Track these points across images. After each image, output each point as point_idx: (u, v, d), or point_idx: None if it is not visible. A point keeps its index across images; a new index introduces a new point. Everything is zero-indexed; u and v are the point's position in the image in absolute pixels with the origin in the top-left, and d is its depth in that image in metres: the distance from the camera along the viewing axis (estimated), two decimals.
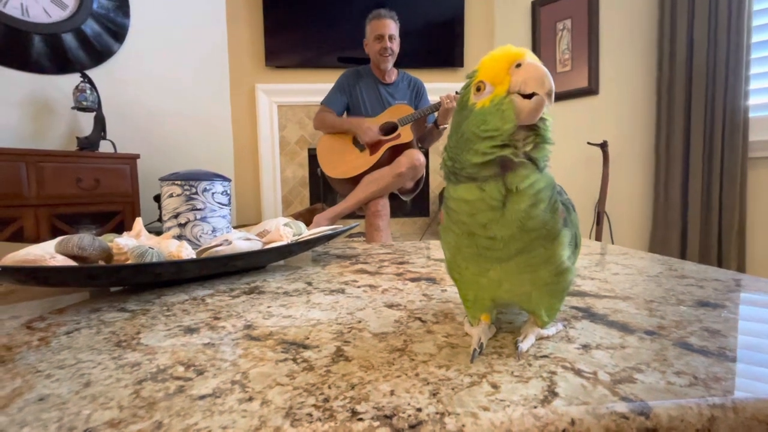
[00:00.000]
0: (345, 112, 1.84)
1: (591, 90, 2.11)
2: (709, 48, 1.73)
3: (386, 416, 0.20)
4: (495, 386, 0.23)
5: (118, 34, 1.95)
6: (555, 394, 0.22)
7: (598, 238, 1.93)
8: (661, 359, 0.26)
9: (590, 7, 2.09)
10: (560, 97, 2.21)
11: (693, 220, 1.79)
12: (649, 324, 0.33)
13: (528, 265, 0.26)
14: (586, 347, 0.28)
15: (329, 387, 0.23)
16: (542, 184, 0.24)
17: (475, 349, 0.27)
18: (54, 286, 0.44)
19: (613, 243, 1.99)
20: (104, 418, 0.21)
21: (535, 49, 2.29)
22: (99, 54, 1.89)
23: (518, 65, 0.23)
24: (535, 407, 0.21)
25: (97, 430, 0.20)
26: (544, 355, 0.27)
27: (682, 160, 1.83)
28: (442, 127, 1.73)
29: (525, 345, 0.28)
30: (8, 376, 0.26)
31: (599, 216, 1.93)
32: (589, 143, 1.99)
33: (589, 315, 0.35)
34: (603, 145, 1.94)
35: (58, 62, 1.78)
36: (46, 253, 0.40)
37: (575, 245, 0.28)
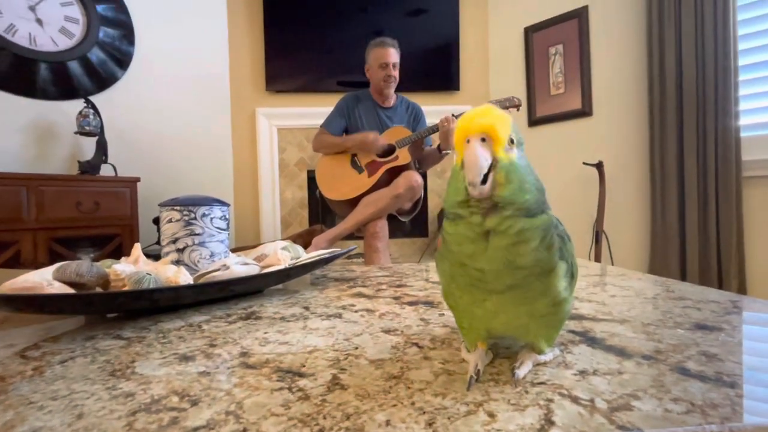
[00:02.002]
0: (343, 135, 1.87)
1: (584, 112, 2.15)
2: (697, 71, 1.78)
3: None
4: (491, 415, 0.23)
5: (123, 61, 2.00)
6: (552, 423, 0.22)
7: (597, 258, 1.93)
8: (658, 385, 0.26)
9: (581, 33, 2.16)
10: (555, 119, 2.26)
11: (691, 239, 1.80)
12: (646, 348, 0.32)
13: (524, 298, 0.26)
14: (583, 373, 0.28)
15: (324, 417, 0.23)
16: (524, 226, 0.24)
17: (471, 377, 0.27)
18: (51, 313, 0.44)
19: (612, 263, 1.99)
20: None
21: (529, 72, 2.36)
22: (103, 81, 1.94)
23: (468, 141, 0.24)
24: None
25: None
26: (541, 381, 0.27)
27: (677, 179, 1.85)
28: (444, 152, 1.75)
29: (522, 372, 0.28)
30: (0, 408, 0.26)
31: (597, 235, 1.94)
32: (584, 164, 2.02)
33: (587, 339, 0.35)
34: (599, 166, 1.97)
35: (63, 89, 1.82)
36: (44, 280, 0.40)
37: (571, 275, 0.28)
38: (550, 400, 0.24)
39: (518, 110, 1.79)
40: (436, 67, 2.50)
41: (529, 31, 2.35)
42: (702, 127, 1.78)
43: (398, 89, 1.88)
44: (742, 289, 1.70)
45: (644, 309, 0.44)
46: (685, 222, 1.83)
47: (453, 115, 1.69)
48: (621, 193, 2.06)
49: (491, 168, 0.23)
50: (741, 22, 1.73)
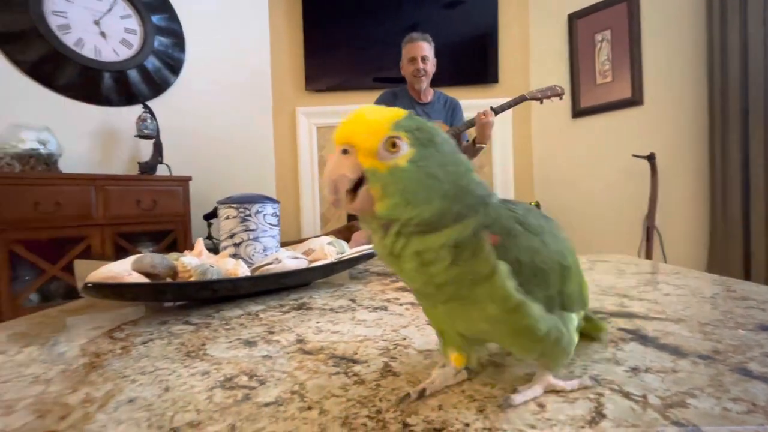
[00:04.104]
0: None
1: (634, 101, 2.03)
2: (766, 51, 1.63)
3: (436, 429, 0.22)
4: (541, 405, 0.24)
5: (175, 67, 2.13)
6: (603, 416, 0.22)
7: (648, 255, 1.82)
8: (716, 385, 0.25)
9: (630, 17, 2.03)
10: (602, 109, 2.15)
11: (757, 237, 1.65)
12: (703, 348, 0.32)
13: (470, 304, 0.23)
14: (635, 370, 0.28)
15: (380, 400, 0.25)
16: (419, 248, 0.21)
17: (409, 394, 0.24)
18: (129, 300, 0.49)
19: (665, 261, 1.87)
20: (185, 419, 0.24)
21: (573, 61, 2.25)
22: (158, 86, 2.08)
23: None
24: (583, 427, 0.21)
25: (181, 430, 0.23)
26: (591, 376, 0.27)
27: (741, 171, 1.70)
28: (478, 145, 1.72)
29: (517, 398, 0.24)
30: (101, 380, 0.30)
31: (648, 231, 1.83)
32: (634, 156, 1.91)
33: (639, 337, 0.35)
34: (650, 158, 1.86)
35: (124, 95, 1.98)
36: (124, 270, 0.45)
37: (533, 274, 0.23)
38: (600, 394, 0.25)
39: (561, 99, 1.72)
40: (474, 60, 2.45)
41: (573, 18, 2.24)
42: None
43: (436, 83, 1.86)
44: None
45: (701, 308, 0.43)
46: (749, 217, 1.68)
47: (491, 108, 1.66)
48: (675, 186, 1.92)
49: (363, 180, 0.21)
50: None
